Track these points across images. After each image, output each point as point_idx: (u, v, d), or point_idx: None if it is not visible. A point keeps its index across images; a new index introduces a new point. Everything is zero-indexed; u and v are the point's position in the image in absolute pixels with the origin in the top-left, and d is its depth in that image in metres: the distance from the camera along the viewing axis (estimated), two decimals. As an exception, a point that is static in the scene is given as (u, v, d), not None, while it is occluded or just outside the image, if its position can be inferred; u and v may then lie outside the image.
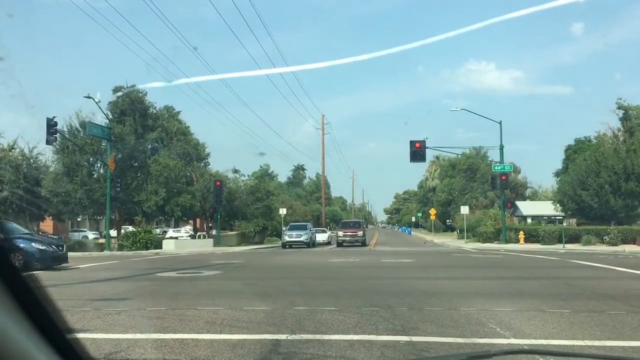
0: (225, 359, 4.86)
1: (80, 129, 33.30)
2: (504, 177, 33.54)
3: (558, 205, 42.70)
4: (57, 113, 60.69)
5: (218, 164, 53.89)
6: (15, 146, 32.59)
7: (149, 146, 37.26)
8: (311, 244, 36.15)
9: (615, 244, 29.39)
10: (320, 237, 41.13)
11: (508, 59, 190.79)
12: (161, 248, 31.72)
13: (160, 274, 14.05)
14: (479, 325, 6.29)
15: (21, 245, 15.34)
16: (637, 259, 18.94)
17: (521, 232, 33.46)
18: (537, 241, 32.45)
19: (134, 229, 33.63)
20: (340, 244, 35.28)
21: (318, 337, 5.68)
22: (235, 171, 51.57)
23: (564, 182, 41.94)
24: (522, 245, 30.96)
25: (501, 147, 34.15)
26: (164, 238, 38.98)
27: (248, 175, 60.98)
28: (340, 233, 36.30)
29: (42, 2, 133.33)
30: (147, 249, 30.45)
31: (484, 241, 36.03)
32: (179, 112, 42.92)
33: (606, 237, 30.27)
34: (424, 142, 32.19)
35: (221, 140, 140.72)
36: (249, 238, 44.61)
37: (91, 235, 51.43)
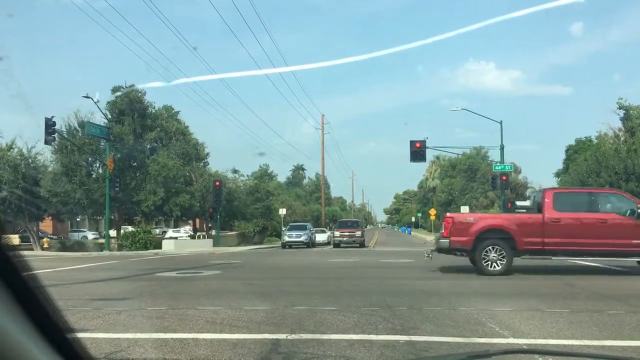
0: (226, 358, 4.87)
1: (79, 128, 33.29)
2: (504, 177, 33.53)
3: (558, 205, 42.65)
4: (56, 113, 60.65)
5: (217, 164, 53.92)
6: (14, 146, 32.55)
7: (148, 146, 37.29)
8: (311, 244, 36.05)
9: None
10: (320, 237, 41.04)
11: (507, 59, 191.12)
12: (161, 248, 31.72)
13: (160, 274, 14.06)
14: (478, 325, 6.29)
15: None
16: (637, 259, 18.93)
17: (521, 232, 33.42)
18: (537, 241, 32.40)
19: (133, 229, 33.64)
20: (337, 245, 33.96)
21: (318, 336, 5.68)
22: (235, 171, 51.69)
23: (565, 182, 41.95)
24: (521, 245, 30.90)
25: (501, 147, 34.16)
26: (163, 238, 39.00)
27: (247, 175, 61.15)
28: (337, 233, 34.76)
29: (42, 2, 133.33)
30: (146, 249, 30.45)
31: (484, 241, 35.96)
32: (178, 112, 43.03)
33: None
34: (424, 142, 32.17)
35: (221, 140, 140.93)
36: (249, 238, 44.63)
37: (90, 235, 51.49)
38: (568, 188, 16.43)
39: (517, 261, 13.07)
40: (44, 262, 19.98)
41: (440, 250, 13.48)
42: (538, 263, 16.44)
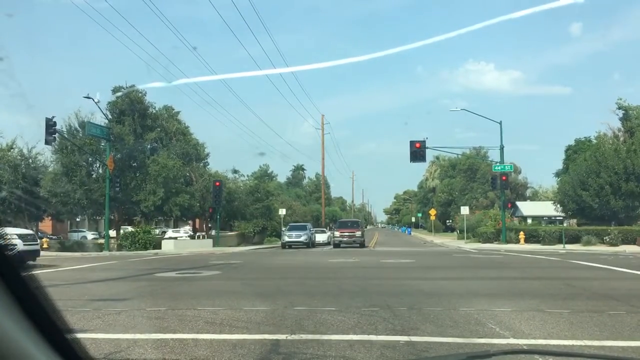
0: (225, 359, 4.86)
1: (79, 129, 33.30)
2: (504, 178, 33.56)
3: (558, 205, 42.73)
4: (57, 113, 60.66)
5: (217, 164, 53.91)
6: (14, 146, 32.62)
7: (148, 146, 37.26)
8: (311, 244, 36.06)
9: (615, 245, 29.39)
10: (320, 237, 41.04)
11: (507, 59, 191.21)
12: (160, 248, 31.70)
13: (160, 274, 14.05)
14: (478, 326, 6.29)
15: None
16: (638, 260, 18.94)
17: (521, 233, 33.47)
18: (538, 241, 32.46)
19: (133, 229, 33.62)
20: (337, 245, 33.85)
21: (317, 337, 5.67)
22: (235, 171, 51.67)
23: (564, 182, 41.96)
24: (522, 246, 30.97)
25: (501, 148, 34.18)
26: (163, 238, 38.98)
27: (247, 176, 61.09)
28: (337, 233, 34.60)
29: (42, 2, 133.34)
30: (146, 249, 30.44)
31: (484, 241, 36.05)
32: (178, 112, 43.00)
33: (606, 237, 30.27)
34: (424, 142, 32.21)
35: (221, 140, 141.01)
36: (249, 238, 44.61)
37: (90, 235, 51.48)
38: None
39: (513, 261, 13.04)
40: (43, 262, 19.96)
41: None
42: (538, 263, 16.44)
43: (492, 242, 34.90)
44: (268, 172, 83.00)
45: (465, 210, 41.70)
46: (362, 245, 33.78)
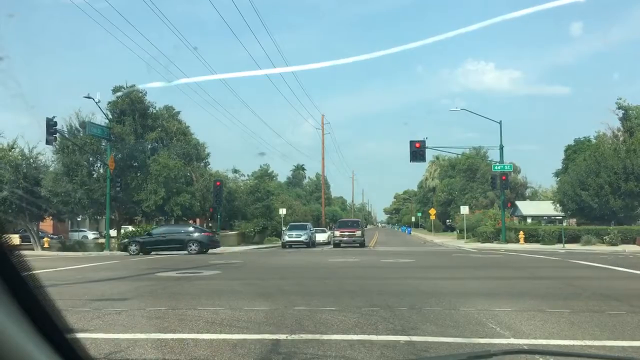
0: (225, 358, 4.86)
1: (80, 128, 33.29)
2: (504, 177, 33.55)
3: (558, 205, 42.72)
4: (57, 113, 60.67)
5: (218, 164, 53.90)
6: (15, 146, 32.56)
7: (149, 146, 37.25)
8: (311, 244, 36.07)
9: (615, 244, 29.40)
10: (320, 237, 41.03)
11: (507, 59, 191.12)
12: (161, 248, 31.64)
13: (160, 274, 14.05)
14: (478, 325, 6.29)
15: None
16: (638, 259, 18.94)
17: (521, 232, 33.46)
18: (537, 241, 32.45)
19: (133, 229, 33.61)
20: (337, 245, 34.03)
21: (318, 337, 5.68)
22: (235, 171, 51.66)
23: (564, 182, 41.96)
24: (522, 245, 30.97)
25: (501, 147, 34.17)
26: (164, 238, 38.90)
27: (248, 175, 61.00)
28: (337, 233, 34.77)
29: (42, 2, 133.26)
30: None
31: (484, 241, 36.04)
32: (178, 112, 42.92)
33: (606, 237, 30.27)
34: (423, 142, 32.21)
35: (221, 140, 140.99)
36: (249, 238, 44.61)
37: (91, 235, 51.45)
38: None
39: (513, 260, 13.03)
40: (44, 261, 19.97)
41: None
42: (538, 263, 16.44)
43: (491, 242, 34.89)
44: (268, 172, 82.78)
45: (465, 209, 41.69)
46: (362, 244, 33.83)
